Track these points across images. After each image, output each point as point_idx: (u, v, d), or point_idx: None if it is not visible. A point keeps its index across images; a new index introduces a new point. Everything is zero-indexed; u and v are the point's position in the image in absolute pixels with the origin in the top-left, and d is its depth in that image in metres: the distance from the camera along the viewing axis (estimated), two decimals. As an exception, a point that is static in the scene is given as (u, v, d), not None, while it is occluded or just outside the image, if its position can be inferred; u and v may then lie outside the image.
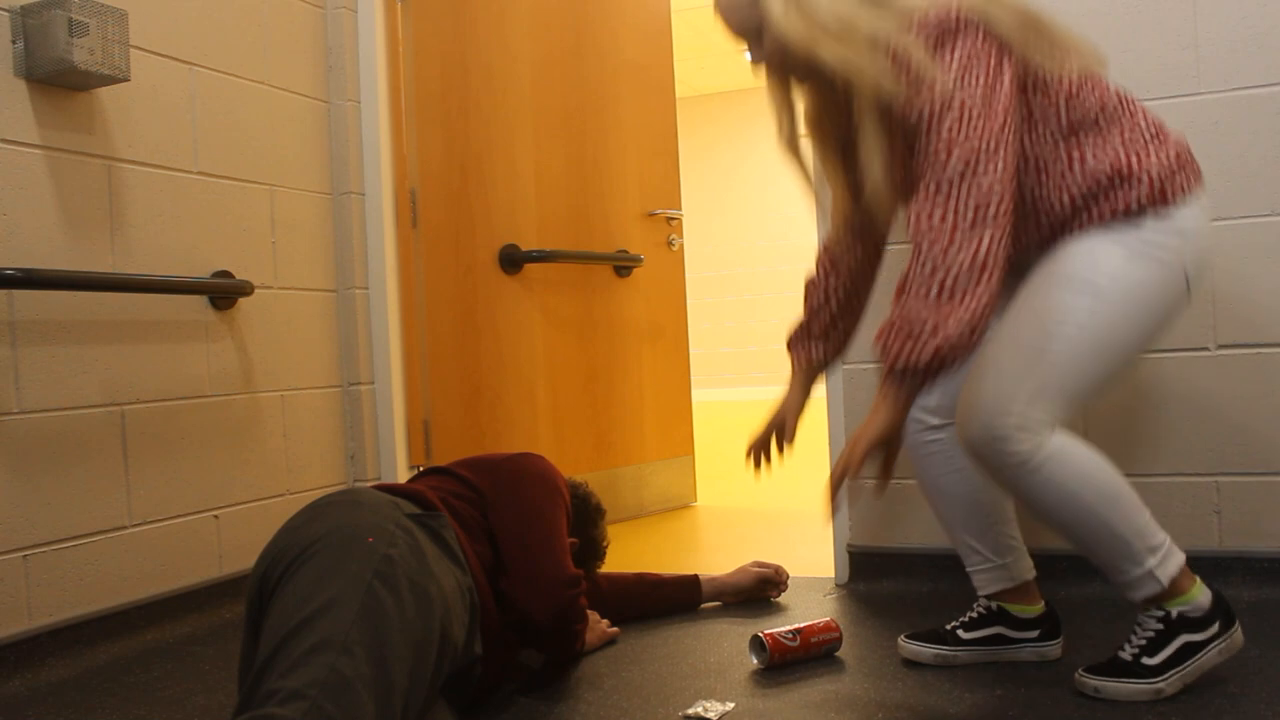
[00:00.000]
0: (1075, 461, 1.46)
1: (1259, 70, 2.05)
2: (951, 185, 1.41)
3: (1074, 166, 1.51)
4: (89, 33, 1.98)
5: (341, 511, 1.43)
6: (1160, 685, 1.49)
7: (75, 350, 2.08)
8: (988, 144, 1.41)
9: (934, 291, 1.39)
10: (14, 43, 1.98)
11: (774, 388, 9.33)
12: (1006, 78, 1.44)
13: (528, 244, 3.12)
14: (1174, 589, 1.51)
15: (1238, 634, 1.54)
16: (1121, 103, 1.54)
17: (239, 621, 1.50)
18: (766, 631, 1.79)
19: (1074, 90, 1.51)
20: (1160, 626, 1.52)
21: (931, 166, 1.43)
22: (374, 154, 2.82)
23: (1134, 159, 1.49)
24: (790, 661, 1.77)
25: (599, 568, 2.08)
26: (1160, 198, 1.48)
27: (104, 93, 2.16)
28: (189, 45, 2.37)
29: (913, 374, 1.40)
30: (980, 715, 1.50)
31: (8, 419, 1.95)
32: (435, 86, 2.91)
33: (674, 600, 2.17)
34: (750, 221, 9.54)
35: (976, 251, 1.39)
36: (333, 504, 1.46)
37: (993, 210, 1.40)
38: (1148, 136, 1.51)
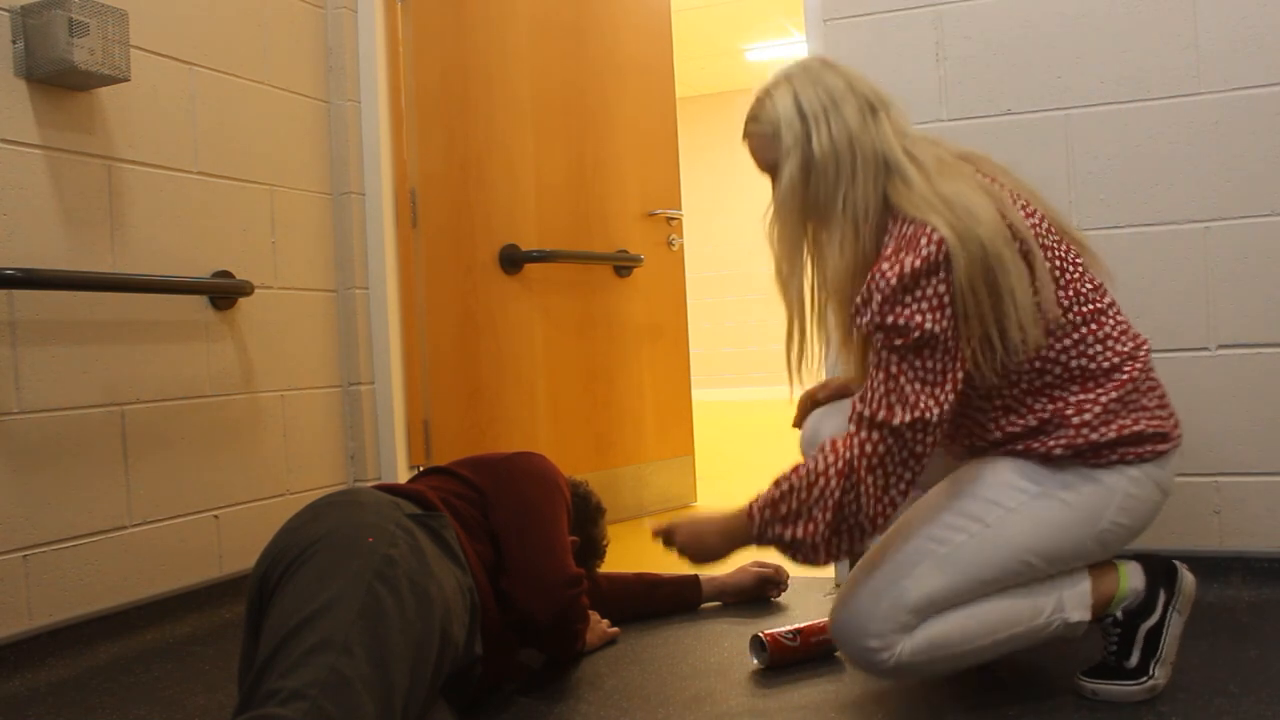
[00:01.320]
0: (932, 639, 1.46)
1: (1259, 70, 2.05)
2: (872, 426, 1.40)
3: (1021, 413, 1.49)
4: (89, 33, 1.98)
5: (341, 512, 1.43)
6: (1151, 682, 1.49)
7: (75, 350, 2.08)
8: (927, 408, 1.39)
9: (782, 510, 1.43)
10: (14, 43, 1.98)
11: (774, 388, 9.32)
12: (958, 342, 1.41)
13: (528, 244, 3.12)
14: (1101, 602, 1.53)
15: (1185, 583, 1.55)
16: (1113, 364, 1.47)
17: (239, 621, 1.50)
18: (766, 631, 1.79)
19: (1064, 348, 1.47)
20: (1117, 630, 1.54)
21: (866, 396, 1.42)
22: (374, 154, 2.81)
23: (1081, 420, 1.45)
24: (790, 661, 1.77)
25: (599, 567, 2.08)
26: (1090, 457, 1.46)
27: (104, 93, 2.15)
28: (189, 45, 2.37)
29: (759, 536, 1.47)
30: (980, 715, 1.50)
31: (8, 419, 1.95)
32: (435, 86, 2.91)
33: (674, 600, 2.17)
34: (750, 221, 9.51)
35: (844, 499, 1.40)
36: (333, 504, 1.46)
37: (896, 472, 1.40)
38: (1118, 407, 1.46)
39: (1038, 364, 1.46)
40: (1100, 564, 1.57)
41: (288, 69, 2.66)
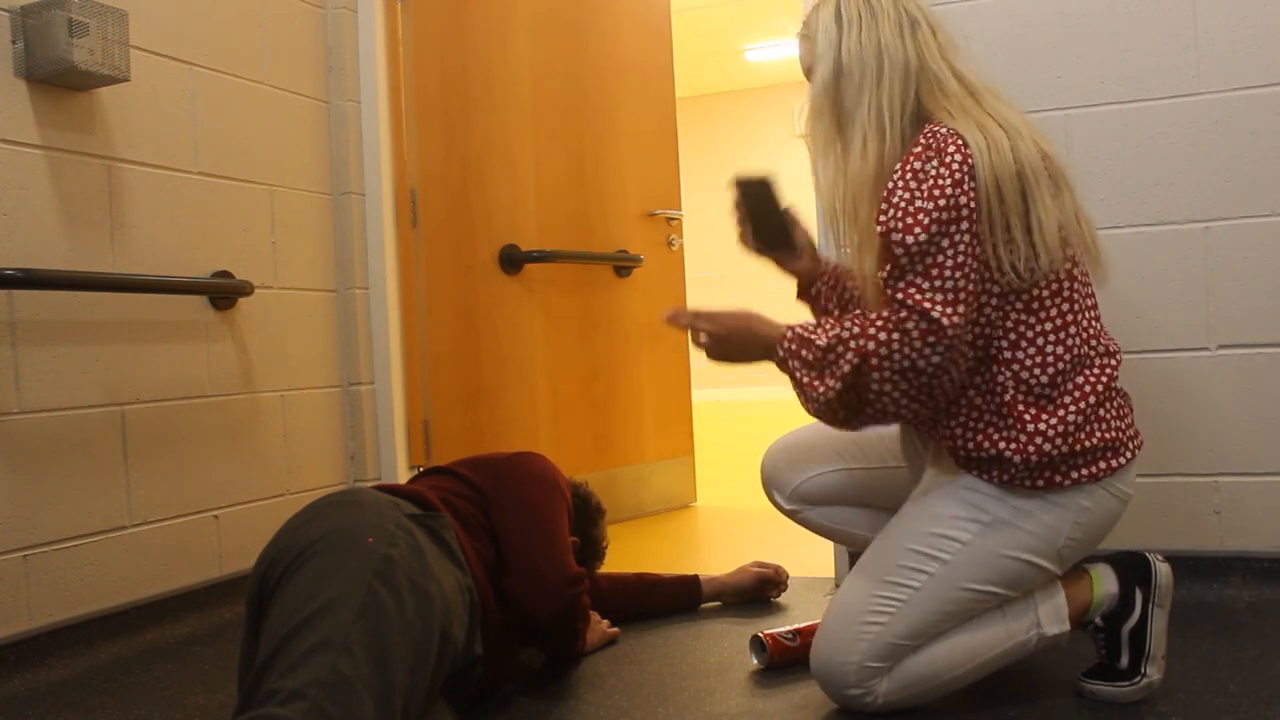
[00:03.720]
0: (911, 676, 1.47)
1: (1259, 70, 2.05)
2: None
3: (985, 375, 1.47)
4: (89, 33, 1.98)
5: (341, 512, 1.43)
6: (1146, 681, 1.49)
7: (75, 350, 2.08)
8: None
9: (803, 354, 1.46)
10: (14, 43, 1.98)
11: (774, 387, 9.31)
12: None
13: (528, 244, 3.12)
14: (1078, 611, 1.54)
15: (1161, 576, 1.54)
16: (1078, 361, 1.46)
17: (239, 621, 1.50)
18: (766, 631, 1.80)
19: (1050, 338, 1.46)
20: (1101, 635, 1.54)
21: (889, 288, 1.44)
22: (374, 154, 2.81)
23: (1036, 429, 1.43)
24: (790, 661, 1.77)
25: (598, 568, 2.08)
26: (1042, 479, 1.45)
27: (104, 93, 2.15)
28: (189, 45, 2.37)
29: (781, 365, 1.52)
30: (980, 715, 1.50)
31: (8, 419, 1.95)
32: (435, 86, 2.91)
33: (674, 600, 2.17)
34: (750, 221, 9.53)
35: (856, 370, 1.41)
36: (333, 504, 1.46)
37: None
38: (1080, 421, 1.44)
39: (1012, 335, 1.45)
40: (1072, 572, 1.57)
41: (288, 69, 2.66)
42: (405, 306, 2.88)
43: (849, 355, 1.41)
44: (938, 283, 1.39)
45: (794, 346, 1.48)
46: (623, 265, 3.43)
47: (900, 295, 1.40)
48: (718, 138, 9.48)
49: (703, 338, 1.56)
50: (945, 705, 1.54)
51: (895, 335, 1.39)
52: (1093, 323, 1.51)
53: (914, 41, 1.52)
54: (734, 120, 9.46)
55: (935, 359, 1.38)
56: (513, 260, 3.07)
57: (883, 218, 1.44)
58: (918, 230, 1.40)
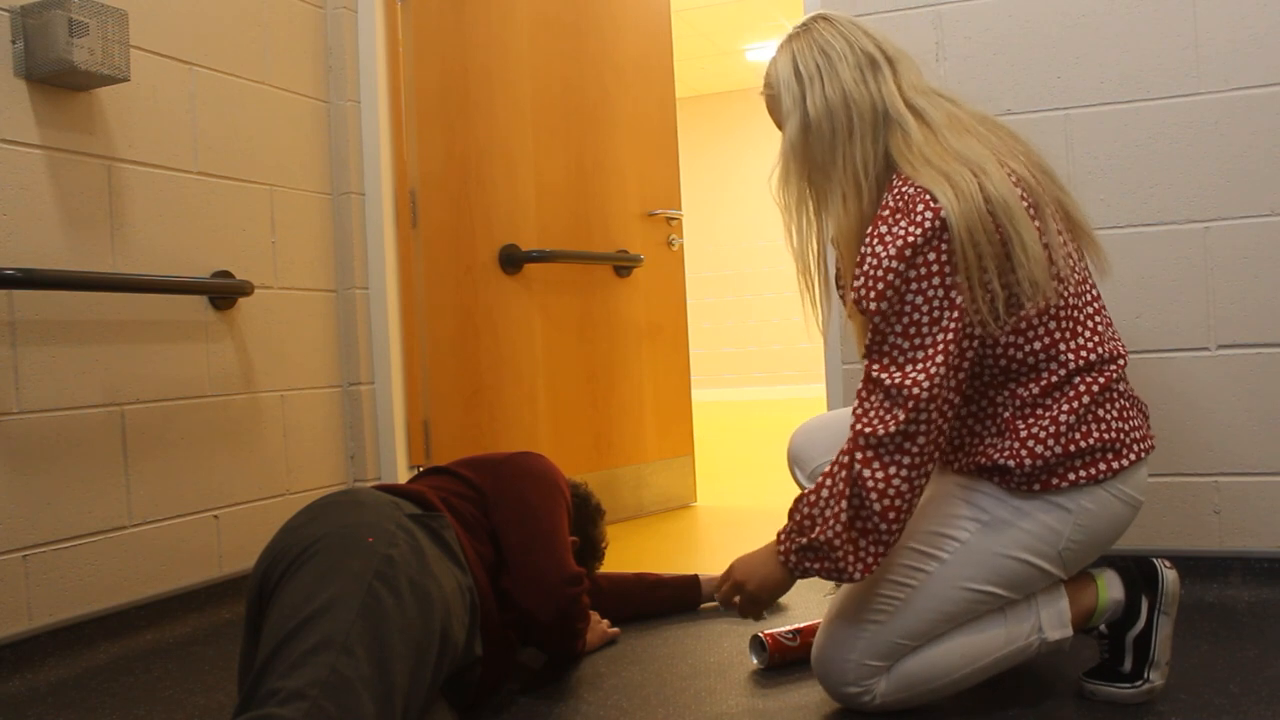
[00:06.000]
0: (908, 677, 1.46)
1: (1259, 70, 2.05)
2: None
3: (981, 405, 1.48)
4: (89, 33, 1.98)
5: (342, 512, 1.43)
6: (1148, 686, 1.48)
7: (75, 350, 2.08)
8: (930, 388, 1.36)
9: (797, 518, 1.44)
10: (14, 43, 1.98)
11: (774, 388, 9.32)
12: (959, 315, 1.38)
13: (528, 244, 3.12)
14: (1081, 616, 1.53)
15: (1168, 583, 1.52)
16: (1076, 368, 1.45)
17: (239, 621, 1.50)
18: (766, 631, 1.80)
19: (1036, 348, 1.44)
20: (1105, 640, 1.54)
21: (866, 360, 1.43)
22: (374, 154, 2.82)
23: (1029, 433, 1.43)
24: (790, 661, 1.77)
25: (598, 569, 2.08)
26: (1040, 481, 1.44)
27: (104, 93, 2.15)
28: (189, 45, 2.37)
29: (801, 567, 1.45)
30: (980, 715, 1.50)
31: (8, 419, 1.95)
32: (435, 86, 2.91)
33: (673, 600, 2.17)
34: (750, 221, 9.54)
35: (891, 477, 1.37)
36: (333, 504, 1.46)
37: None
38: (1074, 421, 1.43)
39: (1003, 361, 1.44)
40: (1077, 576, 1.56)
41: (288, 69, 2.66)
42: (405, 306, 2.89)
43: (837, 471, 1.40)
44: (900, 342, 1.38)
45: (790, 529, 1.45)
46: (623, 265, 3.43)
47: (866, 366, 1.41)
48: (718, 138, 9.48)
49: (735, 600, 1.56)
50: (945, 704, 1.54)
51: (863, 417, 1.39)
52: (1096, 329, 1.48)
53: (875, 83, 1.49)
54: (734, 120, 9.45)
55: (901, 421, 1.35)
56: (513, 260, 3.07)
57: (855, 283, 1.43)
58: (884, 290, 1.38)
